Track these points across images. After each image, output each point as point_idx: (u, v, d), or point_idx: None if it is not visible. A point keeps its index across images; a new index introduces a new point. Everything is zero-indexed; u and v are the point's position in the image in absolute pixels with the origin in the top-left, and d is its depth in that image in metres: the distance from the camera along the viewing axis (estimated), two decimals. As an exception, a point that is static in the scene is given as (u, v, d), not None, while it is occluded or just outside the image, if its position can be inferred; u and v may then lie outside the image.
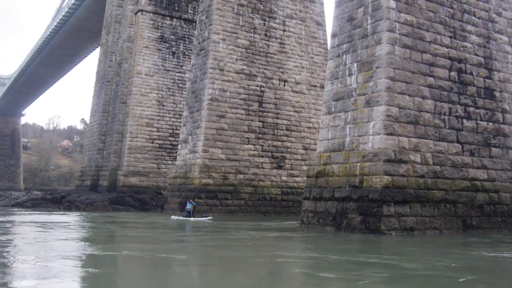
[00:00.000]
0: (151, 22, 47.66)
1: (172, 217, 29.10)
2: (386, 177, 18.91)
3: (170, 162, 45.42)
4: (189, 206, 28.69)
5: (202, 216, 28.70)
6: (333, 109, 22.29)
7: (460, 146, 21.47)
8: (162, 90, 47.20)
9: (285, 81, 37.02)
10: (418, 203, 19.27)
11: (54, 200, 41.45)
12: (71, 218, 28.40)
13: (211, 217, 28.50)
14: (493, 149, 22.51)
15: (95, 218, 28.29)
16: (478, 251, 14.32)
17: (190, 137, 34.92)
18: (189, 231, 22.10)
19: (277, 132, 35.99)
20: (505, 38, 24.31)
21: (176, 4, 49.35)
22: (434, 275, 10.08)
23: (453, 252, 13.90)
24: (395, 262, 11.61)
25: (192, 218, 27.76)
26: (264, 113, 35.70)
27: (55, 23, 63.79)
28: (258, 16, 36.66)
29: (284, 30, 37.71)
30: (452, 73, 21.98)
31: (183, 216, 28.51)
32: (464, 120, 21.92)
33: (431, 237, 18.55)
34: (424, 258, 12.50)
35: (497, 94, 23.34)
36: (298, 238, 19.08)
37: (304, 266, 11.77)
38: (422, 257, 12.75)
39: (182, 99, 46.47)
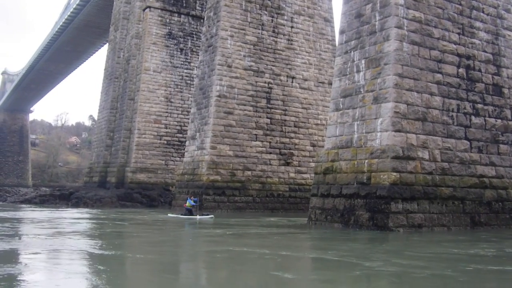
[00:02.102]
0: (159, 18, 47.80)
1: (169, 214, 27.74)
2: (394, 173, 18.94)
3: (178, 158, 45.58)
4: (189, 203, 26.86)
5: (203, 215, 26.78)
6: (341, 106, 22.31)
7: (468, 143, 21.44)
8: (170, 87, 47.34)
9: (293, 77, 37.05)
10: (426, 200, 19.29)
11: (62, 197, 41.78)
12: (76, 214, 28.61)
13: (212, 216, 26.55)
14: (501, 146, 22.46)
15: (95, 215, 28.53)
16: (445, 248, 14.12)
17: (198, 134, 35.04)
18: (172, 228, 21.20)
19: (285, 128, 36.04)
20: (514, 35, 24.20)
21: (184, 1, 49.48)
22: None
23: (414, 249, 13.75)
24: (354, 260, 11.35)
25: (183, 216, 26.12)
26: (272, 110, 35.76)
27: (63, 20, 64.03)
28: (266, 12, 36.69)
29: (292, 27, 37.72)
30: (461, 70, 21.93)
31: (182, 214, 26.73)
32: (473, 117, 21.88)
33: (435, 234, 18.55)
34: (381, 256, 12.35)
35: (506, 90, 23.27)
36: (284, 234, 18.98)
37: (248, 262, 11.41)
38: (385, 256, 12.54)
39: (190, 95, 46.61)
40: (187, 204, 26.92)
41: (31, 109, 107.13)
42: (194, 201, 27.21)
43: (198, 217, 25.89)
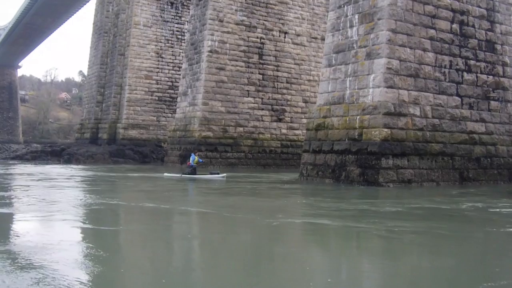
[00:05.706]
0: (148, -29, 46.54)
1: (165, 174, 23.90)
2: (385, 130, 19.07)
3: (170, 115, 45.45)
4: (193, 159, 23.64)
5: (212, 173, 23.45)
6: (334, 62, 22.18)
7: (460, 99, 21.52)
8: (161, 42, 46.65)
9: (286, 33, 36.59)
10: (416, 156, 19.53)
11: (54, 153, 41.63)
12: (67, 171, 28.68)
13: (225, 174, 23.23)
14: (492, 102, 22.58)
15: (88, 170, 28.62)
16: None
17: (189, 90, 34.82)
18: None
19: (277, 84, 35.89)
20: (509, -10, 23.91)
21: (173, -48, 48.07)
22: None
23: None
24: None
25: (186, 175, 23.14)
26: (264, 66, 35.49)
27: (50, -28, 62.19)
28: (258, -35, 35.82)
29: (284, -20, 36.94)
30: (454, 26, 21.75)
31: (185, 173, 23.39)
32: (465, 73, 21.88)
33: (424, 189, 18.87)
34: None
35: (498, 47, 23.19)
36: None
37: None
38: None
39: (181, 51, 45.99)
40: (191, 161, 23.76)
41: (19, 64, 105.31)
42: (199, 161, 24.26)
43: (205, 176, 23.12)
